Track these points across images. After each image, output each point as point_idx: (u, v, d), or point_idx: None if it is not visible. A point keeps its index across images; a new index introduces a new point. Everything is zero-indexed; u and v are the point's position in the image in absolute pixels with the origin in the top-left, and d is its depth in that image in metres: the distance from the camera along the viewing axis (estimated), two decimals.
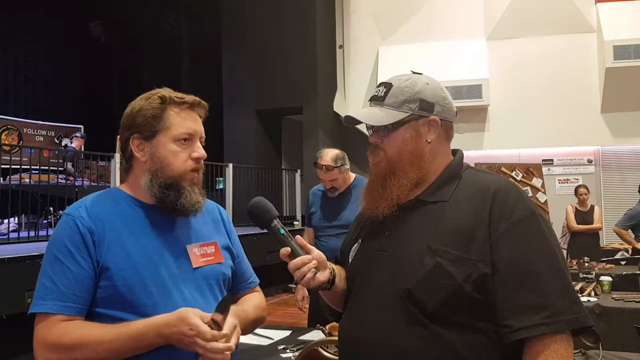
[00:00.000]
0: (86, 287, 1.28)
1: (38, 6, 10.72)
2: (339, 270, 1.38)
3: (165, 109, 1.38)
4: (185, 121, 1.39)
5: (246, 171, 9.06)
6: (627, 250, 6.45)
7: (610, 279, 4.04)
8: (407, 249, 1.22)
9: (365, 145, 1.36)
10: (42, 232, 6.28)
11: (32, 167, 7.47)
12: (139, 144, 1.38)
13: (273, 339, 2.59)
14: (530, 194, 6.15)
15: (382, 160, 1.29)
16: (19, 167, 6.73)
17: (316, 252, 1.28)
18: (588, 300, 3.66)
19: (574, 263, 5.04)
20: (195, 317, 1.22)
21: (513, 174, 6.38)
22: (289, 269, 1.26)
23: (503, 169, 6.40)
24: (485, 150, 8.85)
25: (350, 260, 1.38)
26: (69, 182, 7.23)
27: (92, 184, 7.44)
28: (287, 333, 2.72)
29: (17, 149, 8.42)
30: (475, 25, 9.07)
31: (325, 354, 1.82)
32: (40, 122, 11.13)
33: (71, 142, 9.22)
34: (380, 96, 1.30)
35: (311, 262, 1.25)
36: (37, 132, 11.03)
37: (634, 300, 3.68)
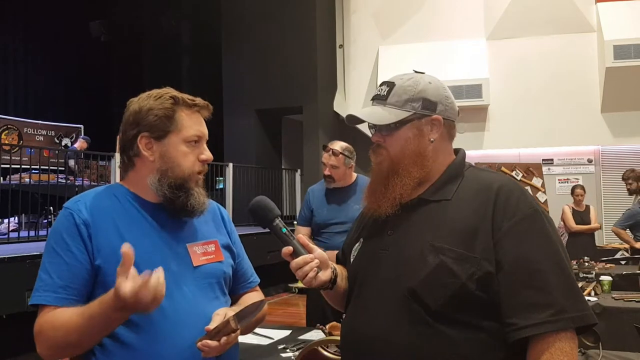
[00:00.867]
0: (81, 279, 1.29)
1: (38, 6, 10.72)
2: (340, 270, 1.38)
3: (177, 109, 1.39)
4: (195, 123, 1.41)
5: (246, 171, 9.06)
6: (627, 250, 6.46)
7: (610, 278, 4.04)
8: (410, 248, 1.22)
9: (366, 145, 1.36)
10: (42, 232, 6.28)
11: (32, 166, 7.47)
12: (147, 143, 1.38)
13: (273, 339, 2.59)
14: (530, 194, 6.15)
15: (385, 160, 1.29)
16: (19, 166, 6.74)
17: (318, 252, 1.28)
18: (588, 300, 3.66)
19: (575, 263, 5.04)
20: (122, 287, 1.12)
21: (513, 173, 6.38)
22: (291, 268, 1.26)
23: (503, 168, 6.40)
24: (485, 150, 8.85)
25: (352, 259, 1.37)
26: (69, 181, 7.23)
27: (92, 183, 7.43)
28: (287, 333, 2.72)
29: (17, 148, 8.42)
30: (476, 25, 9.07)
31: (326, 353, 1.82)
32: (40, 121, 11.11)
33: (72, 143, 9.21)
34: (383, 95, 1.30)
35: (313, 261, 1.25)
36: (37, 131, 11.02)
37: (634, 300, 3.68)
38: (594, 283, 4.05)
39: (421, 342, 1.16)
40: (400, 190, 1.26)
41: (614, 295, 3.83)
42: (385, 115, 1.28)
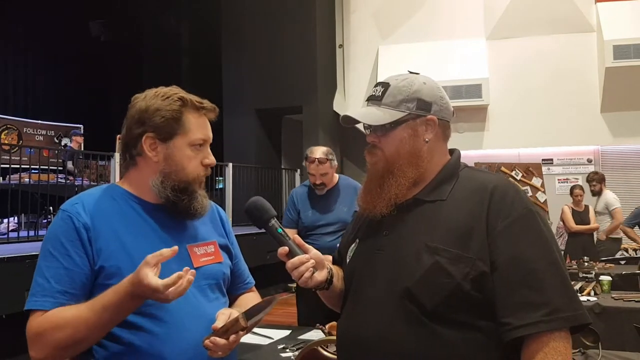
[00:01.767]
0: (79, 284, 1.27)
1: (38, 5, 10.71)
2: (336, 270, 1.38)
3: (184, 112, 1.36)
4: (202, 127, 1.39)
5: (246, 171, 9.06)
6: (626, 250, 6.47)
7: (609, 278, 4.04)
8: (405, 248, 1.22)
9: (366, 145, 1.36)
10: (42, 232, 6.27)
11: (32, 166, 7.47)
12: (152, 143, 1.35)
13: (273, 339, 2.59)
14: (530, 194, 6.16)
15: (380, 160, 1.29)
16: (18, 166, 6.74)
17: (314, 252, 1.28)
18: (588, 300, 3.66)
19: (574, 263, 5.04)
20: (148, 277, 1.15)
21: (513, 173, 6.38)
22: (286, 269, 1.27)
23: (503, 168, 6.40)
24: (485, 150, 8.85)
25: (348, 260, 1.38)
26: (68, 181, 7.23)
27: (92, 183, 7.43)
28: (287, 333, 2.72)
29: (17, 148, 8.42)
30: (475, 24, 9.07)
31: (325, 353, 1.82)
32: (39, 121, 11.11)
33: (70, 142, 9.21)
34: (378, 96, 1.30)
35: (309, 261, 1.25)
36: (36, 131, 11.02)
37: (634, 300, 3.68)
38: (593, 283, 4.05)
39: (417, 342, 1.16)
40: (395, 191, 1.26)
41: (613, 295, 3.82)
42: (380, 115, 1.28)
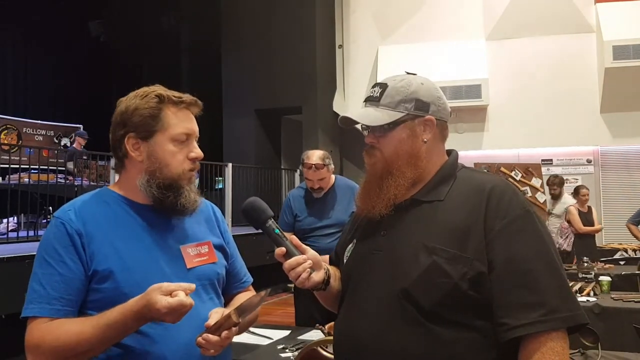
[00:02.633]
0: (75, 290, 1.27)
1: (38, 5, 10.71)
2: (333, 271, 1.39)
3: (163, 108, 1.36)
4: (183, 121, 1.38)
5: (245, 171, 9.06)
6: (625, 250, 6.47)
7: (609, 279, 4.04)
8: (403, 248, 1.22)
9: (365, 145, 1.36)
10: (42, 232, 6.27)
11: (32, 166, 7.47)
12: (134, 143, 1.36)
13: (272, 339, 2.59)
14: (529, 194, 6.16)
15: (379, 161, 1.29)
16: (18, 166, 6.74)
17: (311, 252, 1.28)
18: (587, 300, 3.66)
19: (574, 263, 5.04)
20: (160, 301, 1.16)
21: (512, 174, 6.37)
22: (284, 269, 1.27)
23: (502, 168, 6.40)
24: (485, 150, 8.85)
25: (345, 260, 1.37)
26: (68, 181, 7.23)
27: (92, 183, 7.43)
28: (287, 333, 2.72)
29: (17, 148, 8.42)
30: (475, 25, 9.08)
31: (325, 353, 1.82)
32: (39, 121, 11.11)
33: (71, 144, 9.20)
34: (376, 97, 1.30)
35: (306, 262, 1.25)
36: (36, 131, 11.01)
37: (633, 300, 3.68)
38: (593, 283, 4.05)
39: (414, 342, 1.16)
40: (394, 191, 1.26)
41: (613, 296, 3.82)
42: (378, 116, 1.28)
